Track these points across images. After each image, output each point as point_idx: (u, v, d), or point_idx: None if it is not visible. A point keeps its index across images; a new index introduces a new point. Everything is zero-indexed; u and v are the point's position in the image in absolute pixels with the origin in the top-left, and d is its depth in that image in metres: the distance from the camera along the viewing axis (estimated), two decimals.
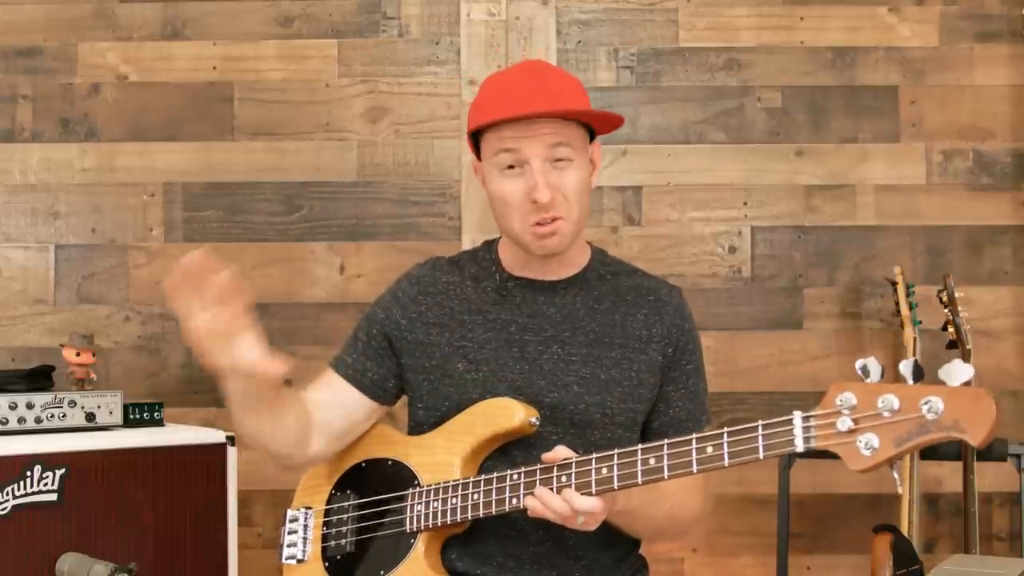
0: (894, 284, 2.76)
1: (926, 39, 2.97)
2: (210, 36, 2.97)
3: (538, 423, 1.72)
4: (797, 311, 2.94)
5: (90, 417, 2.29)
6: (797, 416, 1.43)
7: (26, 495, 2.11)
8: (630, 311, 1.83)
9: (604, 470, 1.55)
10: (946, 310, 2.72)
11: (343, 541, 1.82)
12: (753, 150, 2.97)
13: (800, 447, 1.42)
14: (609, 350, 1.80)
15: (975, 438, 1.30)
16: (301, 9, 2.98)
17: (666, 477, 1.52)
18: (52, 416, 2.26)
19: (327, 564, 1.83)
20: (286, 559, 1.89)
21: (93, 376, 2.43)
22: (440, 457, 1.76)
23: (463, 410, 1.78)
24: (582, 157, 1.77)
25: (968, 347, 2.68)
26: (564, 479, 1.57)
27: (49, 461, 2.14)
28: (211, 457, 2.30)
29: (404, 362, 1.85)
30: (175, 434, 2.33)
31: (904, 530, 2.55)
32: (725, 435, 1.48)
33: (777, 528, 2.74)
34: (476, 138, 1.81)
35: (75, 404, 2.29)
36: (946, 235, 2.95)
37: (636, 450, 1.54)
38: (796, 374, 2.93)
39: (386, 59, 2.98)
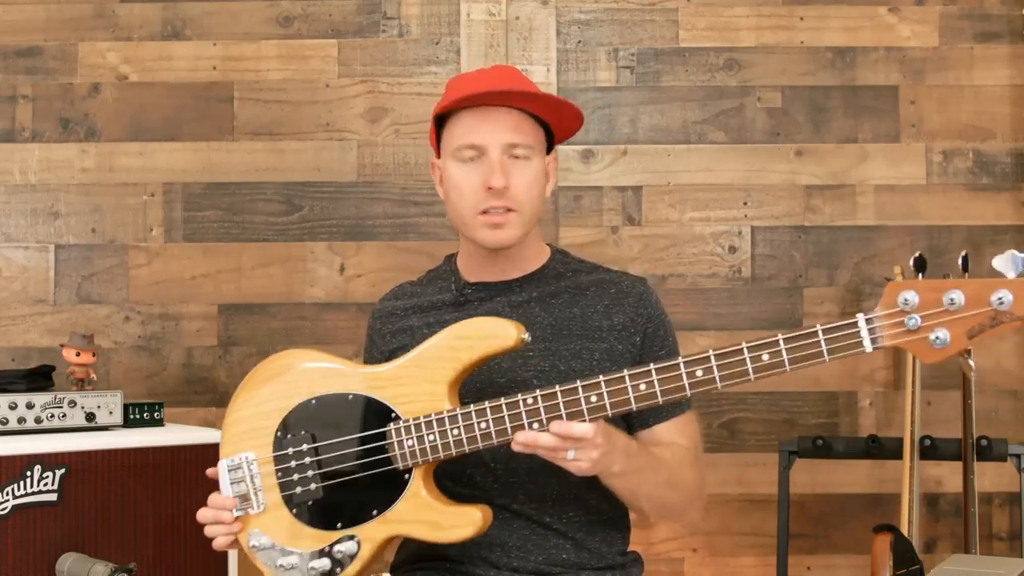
0: None
1: (926, 39, 2.97)
2: (210, 36, 2.97)
3: (530, 338, 1.66)
4: (797, 311, 2.94)
5: (90, 417, 2.29)
6: (861, 318, 1.44)
7: (26, 495, 2.11)
8: (590, 303, 1.82)
9: (642, 386, 1.54)
10: None
11: (311, 486, 1.71)
12: (753, 150, 2.97)
13: (868, 347, 1.44)
14: (567, 342, 1.79)
15: None
16: (301, 9, 2.98)
17: (719, 387, 1.55)
18: (52, 416, 2.26)
19: (295, 511, 1.72)
20: (236, 511, 1.75)
21: (93, 376, 2.42)
22: (422, 387, 1.67)
23: None
24: (539, 158, 1.81)
25: (968, 347, 2.67)
26: (594, 399, 1.55)
27: (49, 461, 2.13)
28: (211, 457, 2.26)
29: None
30: (175, 434, 2.33)
31: (904, 530, 2.55)
32: (782, 341, 1.49)
33: (777, 528, 2.74)
34: (438, 136, 1.86)
35: (75, 404, 2.29)
36: (946, 235, 2.95)
37: (679, 363, 1.55)
38: (796, 374, 2.90)
39: (386, 59, 2.98)
